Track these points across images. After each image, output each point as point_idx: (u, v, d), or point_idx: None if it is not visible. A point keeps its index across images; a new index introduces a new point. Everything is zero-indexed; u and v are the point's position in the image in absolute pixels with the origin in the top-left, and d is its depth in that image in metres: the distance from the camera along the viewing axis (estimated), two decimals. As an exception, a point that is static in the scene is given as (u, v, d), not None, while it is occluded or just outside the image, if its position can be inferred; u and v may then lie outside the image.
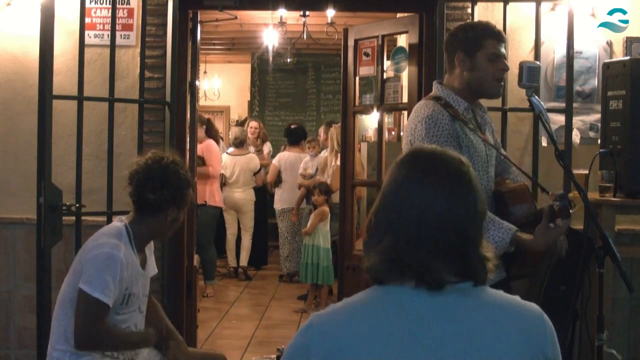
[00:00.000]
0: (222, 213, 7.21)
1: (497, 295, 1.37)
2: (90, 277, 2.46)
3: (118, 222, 2.67)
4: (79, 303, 2.47)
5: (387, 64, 4.94)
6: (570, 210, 2.34)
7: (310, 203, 6.95)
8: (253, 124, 8.21)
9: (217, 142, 6.99)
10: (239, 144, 7.41)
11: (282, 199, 7.36)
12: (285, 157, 7.42)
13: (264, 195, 7.82)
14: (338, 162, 6.55)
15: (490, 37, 2.61)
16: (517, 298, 1.39)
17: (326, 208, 6.26)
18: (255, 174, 7.45)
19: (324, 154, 6.96)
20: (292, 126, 7.90)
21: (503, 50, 2.63)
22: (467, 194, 1.34)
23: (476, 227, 1.35)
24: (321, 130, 7.46)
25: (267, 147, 8.41)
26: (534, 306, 1.38)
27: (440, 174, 1.35)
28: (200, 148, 6.42)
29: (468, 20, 3.83)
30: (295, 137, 7.54)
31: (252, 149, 7.79)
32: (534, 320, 1.35)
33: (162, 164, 2.63)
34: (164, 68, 3.91)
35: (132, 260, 2.60)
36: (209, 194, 6.51)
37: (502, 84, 2.67)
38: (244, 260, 7.56)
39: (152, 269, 2.83)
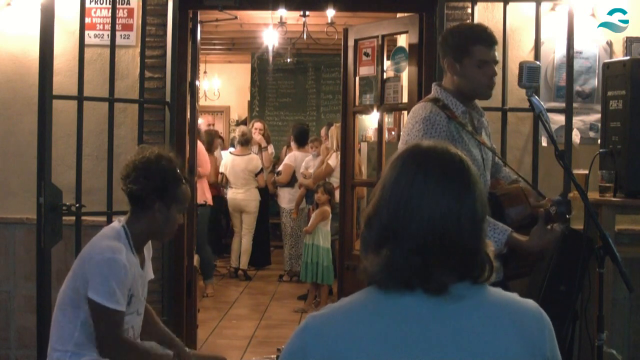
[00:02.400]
0: (216, 213, 7.21)
1: (495, 293, 1.36)
2: (98, 286, 2.47)
3: (116, 223, 2.67)
4: (93, 314, 2.48)
5: (387, 64, 4.94)
6: (568, 216, 2.35)
7: (309, 202, 6.96)
8: (258, 124, 8.18)
9: (202, 141, 6.94)
10: (245, 142, 7.41)
11: (294, 198, 7.34)
12: (299, 157, 7.43)
13: (265, 196, 7.82)
14: (330, 161, 6.58)
15: (477, 42, 2.60)
16: (515, 296, 1.38)
17: (328, 208, 6.26)
18: (256, 174, 7.45)
19: (326, 153, 6.99)
20: (298, 127, 7.91)
21: (494, 53, 2.62)
22: (468, 191, 1.33)
23: (478, 225, 1.33)
24: (323, 131, 7.48)
25: (270, 148, 8.42)
26: (532, 304, 1.37)
27: (441, 170, 1.33)
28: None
29: (469, 21, 3.82)
30: (305, 138, 7.55)
31: (255, 149, 7.80)
32: (532, 318, 1.34)
33: (144, 156, 2.63)
34: (164, 68, 3.91)
35: (133, 261, 2.60)
36: (200, 193, 6.50)
37: (493, 86, 2.66)
38: (244, 263, 7.56)
39: (150, 273, 2.83)
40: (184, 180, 2.67)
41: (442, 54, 2.69)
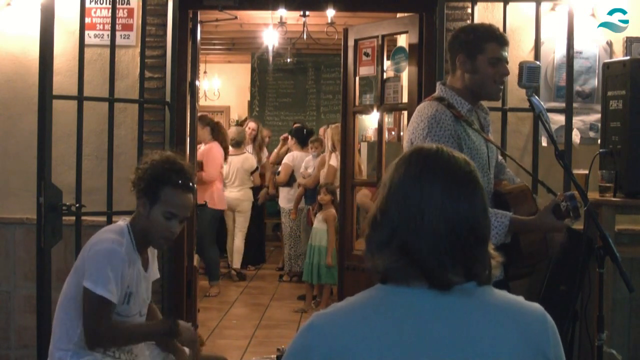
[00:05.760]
0: (221, 213, 7.20)
1: (500, 295, 1.37)
2: (93, 274, 2.45)
3: (121, 221, 2.67)
4: (84, 302, 2.46)
5: (387, 64, 4.94)
6: (579, 211, 2.36)
7: (308, 203, 6.95)
8: (252, 124, 8.23)
9: (225, 146, 6.88)
10: (236, 144, 7.42)
11: (293, 198, 7.33)
12: (298, 157, 7.44)
13: (257, 195, 7.81)
14: (332, 162, 6.57)
15: (491, 40, 2.61)
16: (520, 298, 1.38)
17: (333, 210, 6.18)
18: (252, 173, 7.46)
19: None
20: (297, 126, 7.91)
21: (505, 53, 2.64)
22: (473, 194, 1.33)
23: (483, 227, 1.34)
24: (322, 130, 7.48)
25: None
26: (536, 306, 1.37)
27: (447, 173, 1.33)
28: (202, 151, 6.41)
29: (469, 21, 3.83)
30: (305, 138, 7.55)
31: (249, 148, 7.81)
32: (536, 320, 1.34)
33: (153, 155, 2.66)
34: (164, 68, 3.91)
35: (134, 259, 2.59)
36: (209, 196, 6.51)
37: (502, 87, 2.68)
38: (236, 262, 7.50)
39: (155, 273, 2.82)
40: (177, 185, 2.57)
41: (454, 51, 2.68)
